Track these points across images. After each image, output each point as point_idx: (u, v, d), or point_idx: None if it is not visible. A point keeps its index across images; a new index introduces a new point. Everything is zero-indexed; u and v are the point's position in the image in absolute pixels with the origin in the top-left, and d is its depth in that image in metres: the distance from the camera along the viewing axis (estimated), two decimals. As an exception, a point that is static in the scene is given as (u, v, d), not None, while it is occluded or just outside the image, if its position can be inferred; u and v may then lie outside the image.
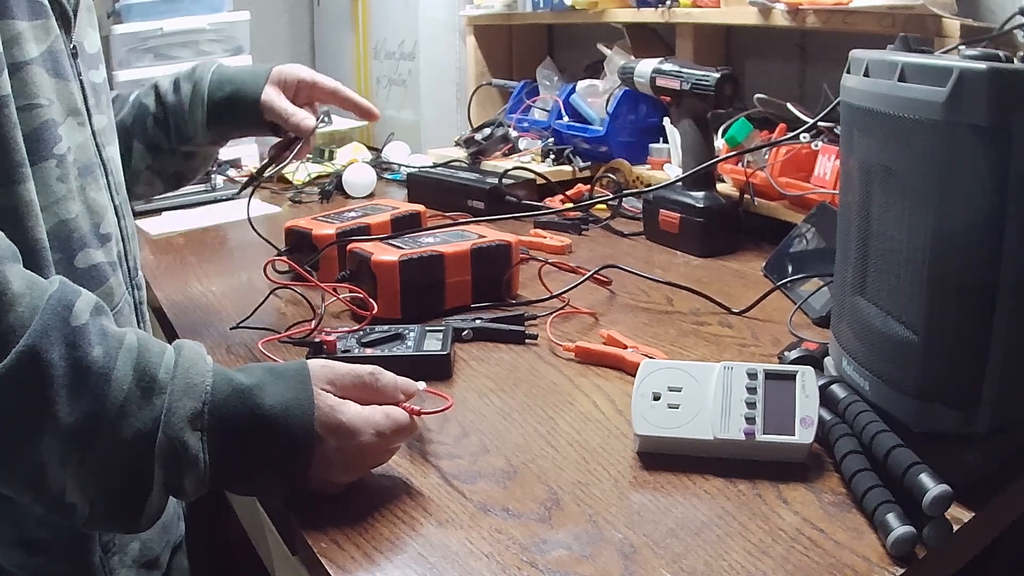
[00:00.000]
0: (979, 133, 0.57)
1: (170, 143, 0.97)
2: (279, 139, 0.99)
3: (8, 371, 0.51)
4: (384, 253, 0.98)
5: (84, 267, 0.68)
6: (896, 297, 0.65)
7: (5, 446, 0.53)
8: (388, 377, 0.66)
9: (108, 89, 0.80)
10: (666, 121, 1.47)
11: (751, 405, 0.68)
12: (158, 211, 1.55)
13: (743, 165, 1.28)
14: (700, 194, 1.23)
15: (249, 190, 1.00)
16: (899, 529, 0.56)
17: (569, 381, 0.85)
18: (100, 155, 0.73)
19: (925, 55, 0.65)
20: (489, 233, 1.06)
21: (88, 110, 0.72)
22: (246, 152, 1.98)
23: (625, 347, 0.88)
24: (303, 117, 0.95)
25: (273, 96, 0.95)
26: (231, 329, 0.96)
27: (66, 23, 0.70)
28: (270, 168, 1.00)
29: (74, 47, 0.71)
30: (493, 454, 0.71)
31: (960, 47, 0.77)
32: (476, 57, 2.00)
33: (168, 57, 1.88)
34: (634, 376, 0.73)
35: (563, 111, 1.67)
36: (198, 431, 0.57)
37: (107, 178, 0.75)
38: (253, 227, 1.07)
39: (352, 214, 1.20)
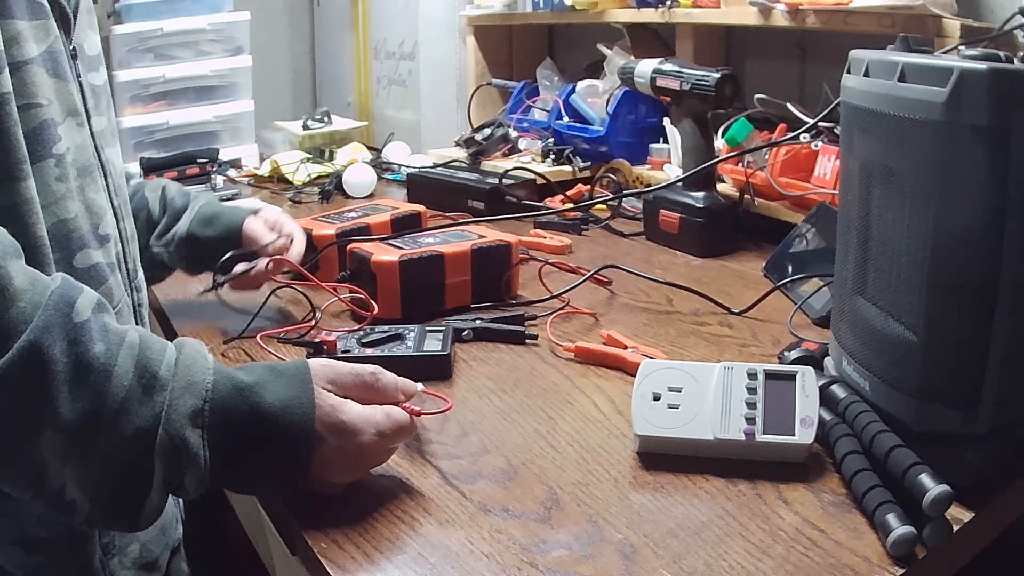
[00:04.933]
0: (979, 133, 0.57)
1: (149, 240, 0.99)
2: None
3: (9, 367, 0.51)
4: (384, 253, 0.98)
5: (83, 267, 0.69)
6: (896, 297, 0.65)
7: (5, 442, 0.53)
8: (389, 377, 0.66)
9: (108, 91, 0.80)
10: (666, 121, 1.47)
11: (751, 405, 0.68)
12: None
13: (743, 165, 1.28)
14: (700, 194, 1.23)
15: (219, 284, 1.01)
16: (899, 529, 0.56)
17: (569, 381, 0.85)
18: (99, 156, 0.73)
19: (925, 55, 0.65)
20: (489, 233, 1.06)
21: (87, 111, 0.72)
22: (246, 152, 1.98)
23: (625, 347, 0.88)
24: (279, 240, 1.00)
25: (255, 223, 1.01)
26: (225, 343, 0.96)
27: (66, 24, 0.70)
28: (226, 280, 1.01)
29: (73, 48, 0.71)
30: (493, 454, 0.71)
31: (960, 47, 0.77)
32: (476, 57, 2.00)
33: (168, 57, 1.89)
34: (634, 376, 0.73)
35: (563, 111, 1.67)
36: (199, 428, 0.57)
37: (106, 179, 0.75)
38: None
39: (352, 214, 1.20)
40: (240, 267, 0.98)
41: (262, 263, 0.98)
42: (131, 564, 0.75)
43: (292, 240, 1.01)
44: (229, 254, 0.98)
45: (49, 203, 0.65)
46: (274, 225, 1.03)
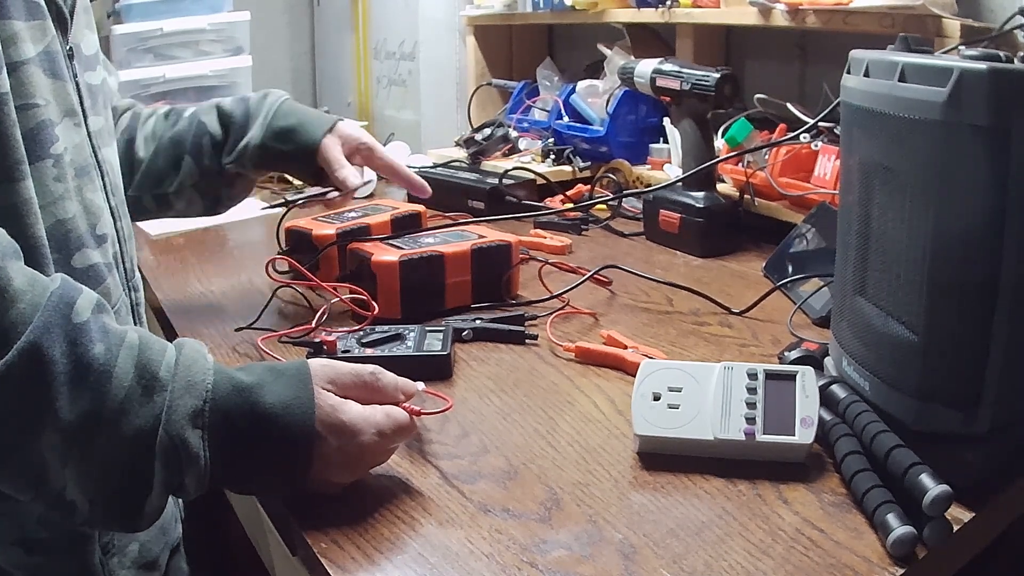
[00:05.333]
0: (979, 133, 0.57)
1: (221, 163, 0.99)
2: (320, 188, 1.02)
3: (9, 368, 0.52)
4: (384, 253, 0.98)
5: (82, 267, 0.68)
6: (896, 297, 0.65)
7: (5, 443, 0.53)
8: (388, 377, 0.66)
9: (107, 91, 0.80)
10: (666, 121, 1.47)
11: (751, 405, 0.68)
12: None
13: (743, 165, 1.28)
14: (700, 194, 1.23)
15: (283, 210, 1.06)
16: (899, 529, 0.56)
17: (569, 381, 0.85)
18: (96, 156, 0.73)
19: (925, 55, 0.65)
20: (489, 233, 1.06)
21: (84, 111, 0.72)
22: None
23: (625, 347, 0.88)
24: (351, 173, 0.98)
25: (331, 145, 0.98)
26: (236, 330, 0.96)
27: (62, 24, 0.70)
28: (299, 200, 1.05)
29: (70, 49, 0.71)
30: (493, 454, 0.71)
31: (960, 47, 0.77)
32: (476, 57, 2.00)
33: (168, 57, 1.89)
34: (634, 376, 0.73)
35: (563, 111, 1.67)
36: (199, 429, 0.57)
37: (103, 179, 0.75)
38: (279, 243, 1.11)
39: (352, 214, 1.20)
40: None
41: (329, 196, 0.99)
42: (131, 564, 0.75)
43: (396, 175, 1.03)
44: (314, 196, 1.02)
45: (47, 203, 0.65)
46: (355, 149, 1.01)
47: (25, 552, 0.69)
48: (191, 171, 0.99)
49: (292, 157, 0.99)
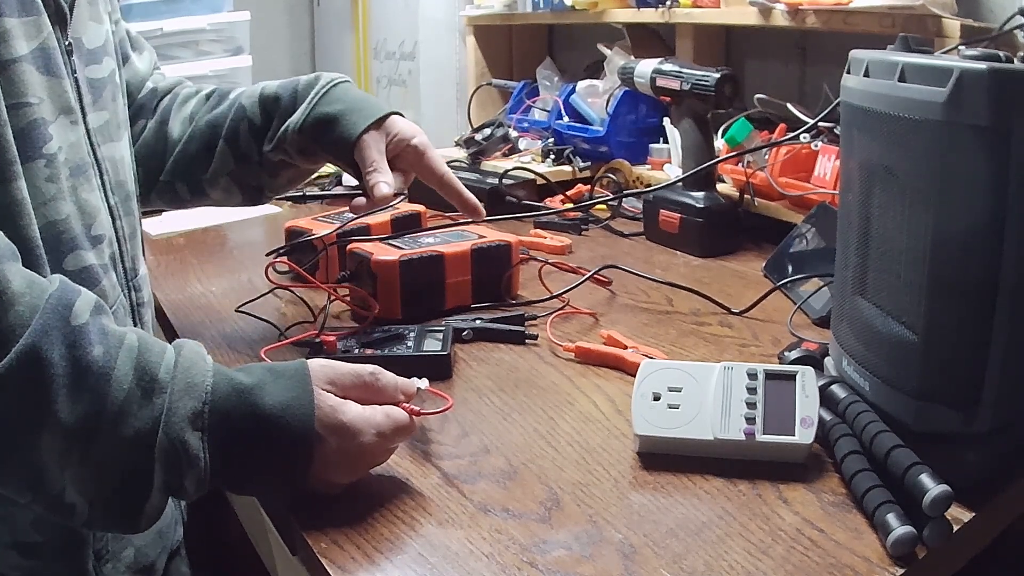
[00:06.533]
0: (979, 133, 0.57)
1: (260, 150, 0.90)
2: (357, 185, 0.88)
3: (8, 370, 0.51)
4: (384, 253, 0.98)
5: (74, 269, 0.67)
6: (896, 297, 0.65)
7: (4, 446, 0.53)
8: (388, 377, 0.66)
9: (115, 83, 0.78)
10: (666, 121, 1.47)
11: (751, 405, 0.68)
12: (158, 211, 1.55)
13: (743, 165, 1.28)
14: (700, 194, 1.23)
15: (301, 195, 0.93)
16: (899, 529, 0.56)
17: (569, 381, 0.85)
18: (94, 154, 0.72)
19: (925, 55, 0.65)
20: (489, 233, 1.06)
21: (83, 108, 0.71)
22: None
23: (625, 347, 0.88)
24: (384, 180, 0.83)
25: (372, 142, 0.85)
26: (236, 311, 0.97)
27: (61, 19, 0.68)
28: (319, 195, 0.93)
29: (69, 43, 0.69)
30: (493, 454, 0.71)
31: (960, 47, 0.77)
32: (476, 57, 2.00)
33: (168, 57, 1.88)
34: (634, 376, 0.73)
35: (563, 111, 1.67)
36: (198, 431, 0.57)
37: (101, 178, 0.73)
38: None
39: (352, 214, 1.20)
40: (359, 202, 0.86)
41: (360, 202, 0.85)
42: (125, 569, 0.75)
43: (448, 189, 0.88)
44: (350, 193, 0.86)
45: (39, 204, 0.64)
46: (402, 150, 0.87)
47: (20, 555, 0.69)
48: (226, 159, 0.91)
49: (330, 149, 0.87)
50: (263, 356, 0.84)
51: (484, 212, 0.92)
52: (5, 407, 0.52)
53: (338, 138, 0.86)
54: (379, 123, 0.86)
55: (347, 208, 0.92)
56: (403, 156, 0.88)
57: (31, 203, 0.63)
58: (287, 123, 0.88)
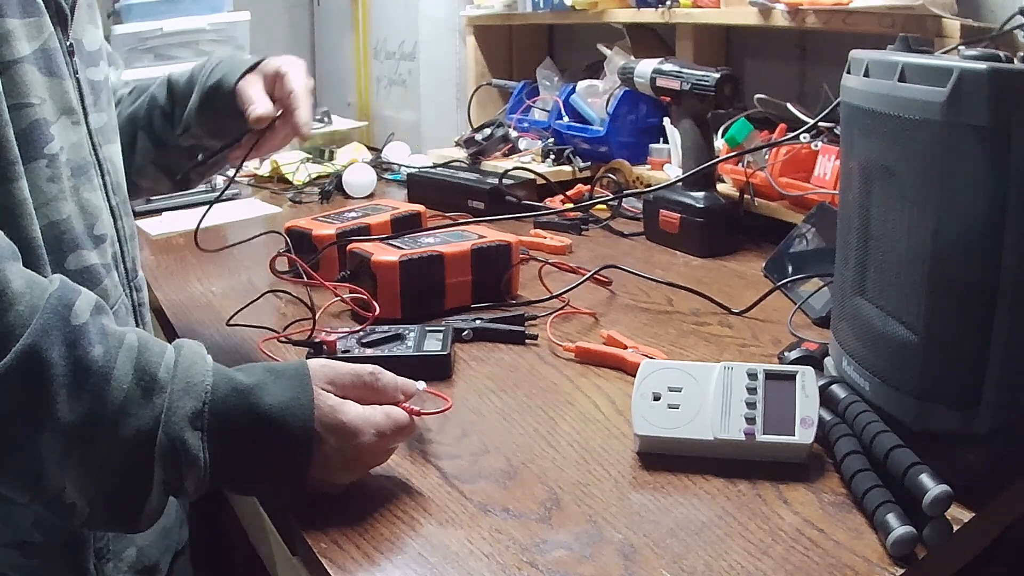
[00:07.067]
0: (979, 133, 0.57)
1: (174, 136, 0.93)
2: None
3: (8, 370, 0.51)
4: (384, 253, 0.98)
5: (76, 269, 0.68)
6: (896, 297, 0.65)
7: (5, 445, 0.53)
8: (388, 377, 0.66)
9: (110, 87, 0.79)
10: (666, 121, 1.47)
11: (751, 405, 0.68)
12: (158, 211, 1.55)
13: (743, 165, 1.28)
14: (700, 194, 1.23)
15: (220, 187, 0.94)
16: (899, 529, 0.56)
17: (569, 381, 0.85)
18: (96, 155, 0.72)
19: (925, 55, 0.65)
20: (489, 233, 1.06)
21: (84, 109, 0.71)
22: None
23: (625, 347, 0.88)
24: (259, 106, 0.83)
25: (248, 83, 0.86)
26: (228, 324, 0.96)
27: (62, 20, 0.69)
28: (217, 160, 0.93)
29: (71, 45, 0.70)
30: (493, 454, 0.71)
31: (960, 47, 0.77)
32: (476, 57, 2.00)
33: (168, 57, 1.88)
34: (634, 376, 0.73)
35: (563, 111, 1.67)
36: (198, 430, 0.57)
37: (103, 178, 0.74)
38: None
39: (352, 214, 1.20)
40: (238, 153, 0.88)
41: (247, 141, 0.87)
42: (127, 568, 0.75)
43: (288, 106, 0.85)
44: (199, 157, 0.90)
45: (40, 204, 0.64)
46: (275, 82, 0.87)
47: (22, 555, 0.69)
48: (146, 146, 0.94)
49: (227, 113, 0.88)
50: (260, 348, 0.84)
51: (309, 134, 0.88)
52: (5, 406, 0.52)
53: (224, 99, 0.88)
54: (252, 68, 0.88)
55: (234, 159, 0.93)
56: (278, 86, 0.88)
57: (32, 203, 0.63)
58: (187, 107, 0.91)
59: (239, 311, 0.98)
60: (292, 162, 1.77)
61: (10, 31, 0.62)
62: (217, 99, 0.89)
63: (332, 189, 1.65)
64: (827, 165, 1.17)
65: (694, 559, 0.57)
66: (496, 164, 1.65)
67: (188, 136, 0.93)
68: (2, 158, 0.60)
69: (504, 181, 1.47)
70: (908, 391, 0.64)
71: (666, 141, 1.50)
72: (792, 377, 0.69)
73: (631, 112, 1.54)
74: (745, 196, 1.27)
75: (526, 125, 1.77)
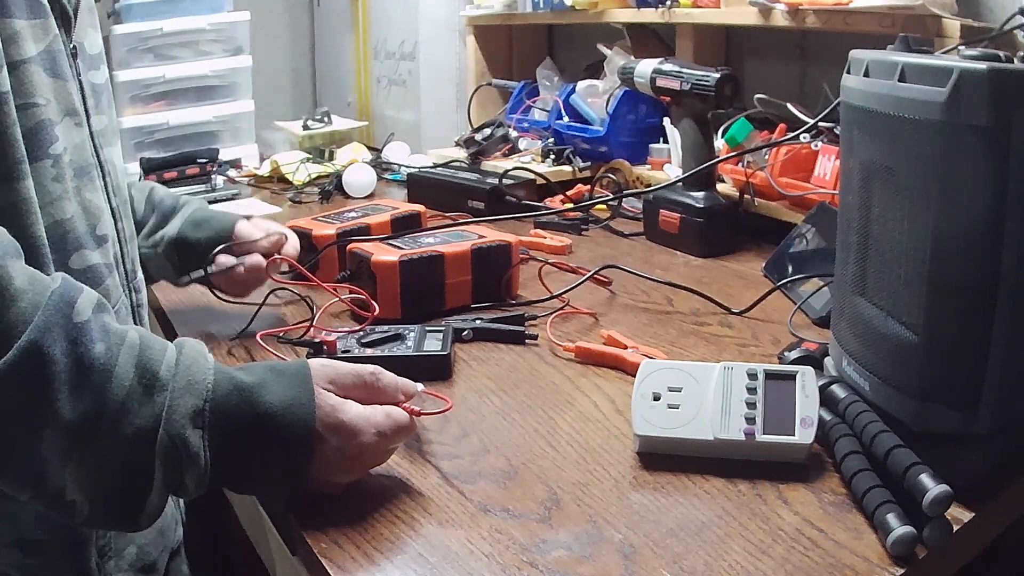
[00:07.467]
0: (979, 133, 0.57)
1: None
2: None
3: (10, 367, 0.51)
4: (384, 253, 0.98)
5: (80, 268, 0.68)
6: (896, 297, 0.65)
7: (5, 443, 0.53)
8: (389, 377, 0.66)
9: (110, 90, 0.80)
10: (666, 121, 1.47)
11: (751, 405, 0.68)
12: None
13: (743, 165, 1.28)
14: (700, 194, 1.23)
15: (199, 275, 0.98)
16: (899, 529, 0.56)
17: (569, 381, 0.85)
18: (98, 156, 0.73)
19: (925, 55, 0.65)
20: (489, 233, 1.06)
21: (87, 111, 0.72)
22: (246, 152, 1.98)
23: (625, 347, 0.88)
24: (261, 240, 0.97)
25: (248, 224, 0.99)
26: (232, 339, 0.96)
27: (66, 23, 0.69)
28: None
29: (74, 47, 0.70)
30: (493, 454, 0.71)
31: (960, 47, 0.77)
32: (476, 57, 2.00)
33: (168, 57, 1.88)
34: (634, 376, 0.73)
35: (563, 111, 1.67)
36: (199, 429, 0.57)
37: (104, 179, 0.74)
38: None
39: (352, 214, 1.20)
40: (228, 260, 0.95)
41: (253, 259, 0.95)
42: (128, 567, 0.75)
43: (286, 238, 1.00)
44: (220, 248, 0.95)
45: (45, 204, 0.65)
46: (266, 229, 1.01)
47: (23, 553, 0.69)
48: None
49: (208, 243, 0.96)
50: (259, 340, 0.83)
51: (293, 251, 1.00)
52: (6, 403, 0.52)
53: (218, 228, 0.98)
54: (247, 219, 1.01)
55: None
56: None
57: (38, 202, 0.63)
58: (166, 230, 0.97)
59: (247, 326, 0.97)
60: (292, 162, 1.77)
61: (18, 32, 0.63)
62: (204, 229, 0.97)
63: (332, 189, 1.65)
64: (827, 165, 1.17)
65: (694, 559, 0.57)
66: (496, 164, 1.65)
67: (149, 248, 0.97)
68: (9, 157, 0.61)
69: (504, 181, 1.47)
70: (908, 391, 0.64)
71: (666, 141, 1.50)
72: (792, 377, 0.69)
73: (631, 112, 1.54)
74: (745, 196, 1.27)
75: (526, 125, 1.77)
